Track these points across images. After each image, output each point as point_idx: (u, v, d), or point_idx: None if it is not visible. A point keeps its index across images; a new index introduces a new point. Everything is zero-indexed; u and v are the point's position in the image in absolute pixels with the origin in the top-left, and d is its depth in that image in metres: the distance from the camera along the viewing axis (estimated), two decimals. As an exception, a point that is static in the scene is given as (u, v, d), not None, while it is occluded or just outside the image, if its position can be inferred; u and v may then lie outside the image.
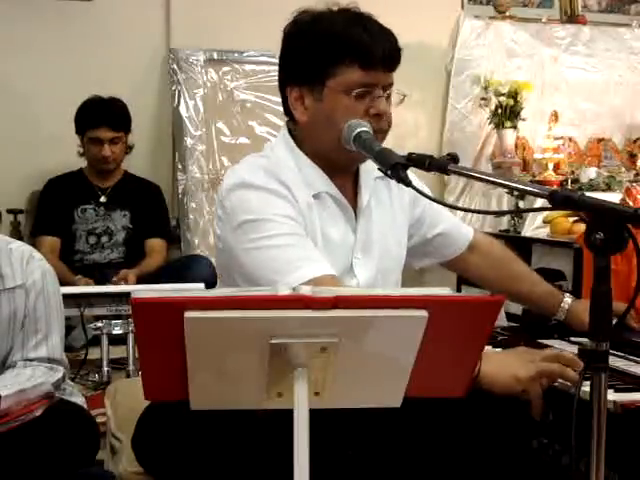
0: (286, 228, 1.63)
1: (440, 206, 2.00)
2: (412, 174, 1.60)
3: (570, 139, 4.92)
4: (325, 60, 1.67)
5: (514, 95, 4.56)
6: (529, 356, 1.60)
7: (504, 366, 1.56)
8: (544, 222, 3.77)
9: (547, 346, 1.94)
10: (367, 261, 1.77)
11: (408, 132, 4.68)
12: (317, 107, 1.70)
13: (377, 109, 1.66)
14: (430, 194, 1.91)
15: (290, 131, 1.78)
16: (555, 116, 4.68)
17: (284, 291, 1.10)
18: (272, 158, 1.74)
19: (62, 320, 2.07)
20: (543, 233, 3.74)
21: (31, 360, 1.97)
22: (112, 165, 3.82)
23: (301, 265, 1.58)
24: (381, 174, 1.54)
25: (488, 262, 2.05)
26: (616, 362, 1.74)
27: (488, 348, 1.86)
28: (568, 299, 2.02)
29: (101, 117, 3.73)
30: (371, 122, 1.65)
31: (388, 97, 1.71)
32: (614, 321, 1.23)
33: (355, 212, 1.77)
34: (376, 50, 1.65)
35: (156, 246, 3.87)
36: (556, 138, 4.58)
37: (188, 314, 1.05)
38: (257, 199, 1.65)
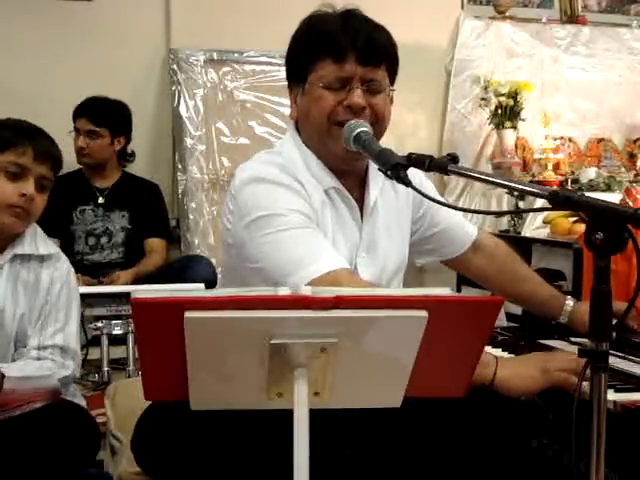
0: (300, 222, 1.63)
1: None
2: (420, 173, 1.61)
3: (570, 139, 4.93)
4: (305, 57, 1.72)
5: (514, 95, 4.56)
6: (543, 362, 1.62)
7: (518, 368, 1.59)
8: (544, 222, 3.77)
9: (548, 346, 1.94)
10: (371, 260, 1.78)
11: (408, 132, 4.68)
12: (302, 102, 1.75)
13: (350, 101, 1.68)
14: (436, 193, 1.93)
15: (298, 131, 1.80)
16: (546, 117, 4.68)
17: (284, 291, 1.10)
18: (284, 155, 1.75)
19: (78, 316, 2.12)
20: (543, 233, 3.74)
21: (45, 348, 1.99)
22: (88, 160, 3.80)
23: (317, 258, 1.58)
24: None
25: (491, 263, 2.05)
26: (616, 362, 1.74)
27: (488, 348, 1.87)
28: (570, 302, 2.02)
29: (83, 109, 3.76)
30: (348, 114, 1.67)
31: (374, 92, 1.71)
32: (614, 321, 1.24)
33: (361, 211, 1.78)
34: (345, 43, 1.67)
35: (155, 246, 3.86)
36: (556, 138, 4.58)
37: (188, 314, 1.05)
38: (271, 194, 1.66)
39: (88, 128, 3.76)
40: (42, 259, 2.06)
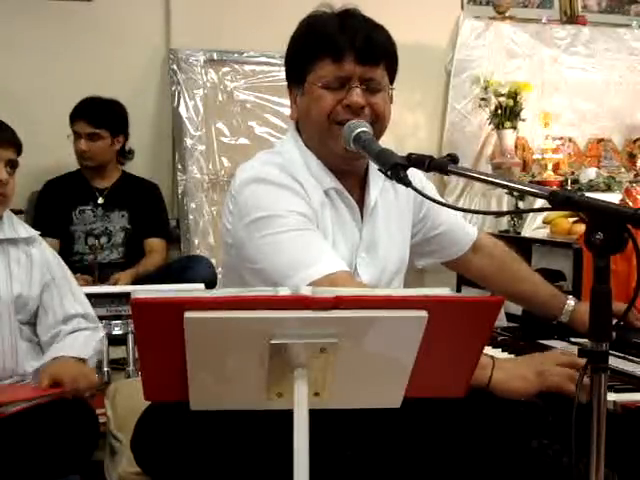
0: (299, 223, 1.63)
1: None
2: (420, 173, 1.60)
3: (570, 139, 4.92)
4: (304, 57, 1.73)
5: (514, 95, 4.56)
6: (540, 365, 1.61)
7: (513, 370, 1.59)
8: (544, 223, 3.77)
9: (548, 346, 1.94)
10: (371, 261, 1.78)
11: (408, 132, 4.68)
12: (301, 102, 1.75)
13: (349, 100, 1.68)
14: (436, 194, 1.93)
15: (298, 131, 1.80)
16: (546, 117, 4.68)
17: (284, 291, 1.10)
18: (284, 155, 1.75)
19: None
20: (543, 233, 3.74)
21: (71, 319, 2.16)
22: (90, 162, 3.79)
23: (316, 261, 1.58)
24: None
25: (491, 263, 2.05)
26: (616, 362, 1.74)
27: (488, 349, 1.87)
28: (571, 301, 2.02)
29: (81, 111, 3.75)
30: (348, 114, 1.68)
31: (374, 91, 1.71)
32: (614, 321, 1.24)
33: (361, 211, 1.78)
34: (344, 43, 1.67)
35: (155, 246, 3.86)
36: (555, 138, 4.58)
37: (188, 314, 1.05)
38: (270, 195, 1.66)
39: (88, 131, 3.74)
40: (27, 241, 2.17)
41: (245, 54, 4.39)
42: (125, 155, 3.96)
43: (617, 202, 3.05)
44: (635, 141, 5.02)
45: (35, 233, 2.20)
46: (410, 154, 1.49)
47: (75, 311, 2.18)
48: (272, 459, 1.41)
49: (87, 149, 3.75)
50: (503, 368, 1.59)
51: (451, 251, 2.03)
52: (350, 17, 1.72)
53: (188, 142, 4.23)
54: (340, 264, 1.61)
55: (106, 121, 3.78)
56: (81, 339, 2.15)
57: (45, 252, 2.20)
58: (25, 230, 2.18)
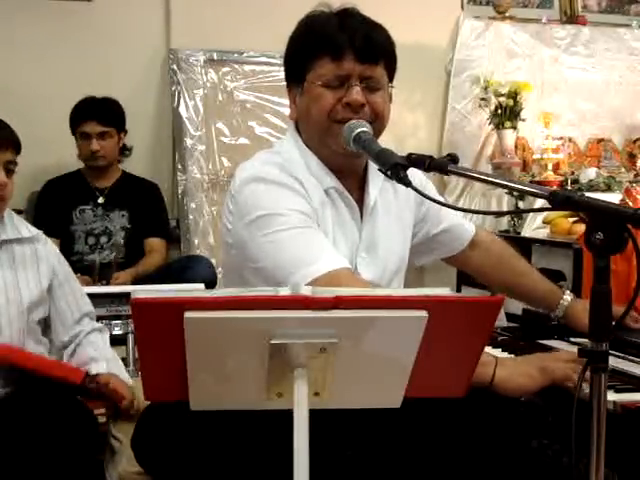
0: (300, 222, 1.63)
1: None
2: (420, 173, 1.60)
3: (570, 139, 4.92)
4: (303, 56, 1.73)
5: (514, 95, 4.56)
6: (542, 361, 1.62)
7: (517, 368, 1.60)
8: (544, 222, 3.77)
9: (547, 346, 1.95)
10: (371, 260, 1.78)
11: (408, 132, 4.68)
12: (301, 101, 1.75)
13: (348, 98, 1.69)
14: (436, 193, 1.93)
15: (298, 131, 1.80)
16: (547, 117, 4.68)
17: (284, 291, 1.10)
18: (284, 154, 1.75)
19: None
20: (543, 233, 3.74)
21: (83, 317, 2.17)
22: (102, 161, 3.80)
23: (318, 258, 1.58)
24: None
25: (489, 258, 2.07)
26: (616, 362, 1.75)
27: (488, 349, 1.87)
28: (568, 297, 2.03)
29: (89, 112, 3.75)
30: (348, 112, 1.68)
31: (373, 89, 1.71)
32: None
33: (361, 211, 1.78)
34: (343, 42, 1.68)
35: (155, 245, 3.86)
36: (556, 138, 4.58)
37: (188, 314, 1.05)
38: (271, 194, 1.66)
39: (99, 130, 3.75)
40: (31, 240, 2.15)
41: (245, 54, 4.39)
42: (124, 152, 3.97)
43: (617, 202, 3.05)
44: (635, 141, 5.02)
45: (38, 231, 2.20)
46: (410, 154, 1.49)
47: (85, 311, 2.19)
48: (272, 459, 1.42)
49: (99, 148, 3.76)
50: (506, 365, 1.60)
51: (452, 247, 2.04)
52: (349, 16, 1.73)
53: (188, 142, 4.23)
54: (342, 261, 1.61)
55: (113, 119, 3.80)
56: (99, 341, 2.16)
57: (51, 249, 2.19)
58: (27, 229, 2.18)
